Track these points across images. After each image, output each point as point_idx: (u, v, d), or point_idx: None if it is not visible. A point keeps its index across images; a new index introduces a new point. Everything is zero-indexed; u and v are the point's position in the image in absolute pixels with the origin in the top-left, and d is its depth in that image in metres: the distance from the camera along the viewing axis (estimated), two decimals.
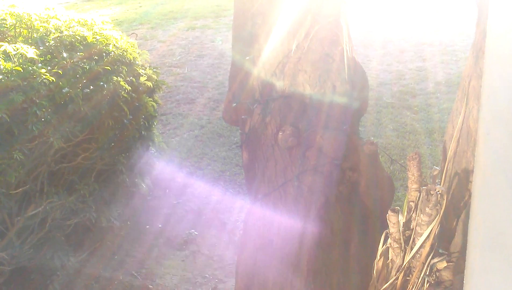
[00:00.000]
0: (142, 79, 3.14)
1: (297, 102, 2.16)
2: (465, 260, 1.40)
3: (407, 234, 1.49)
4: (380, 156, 2.28)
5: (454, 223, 1.54)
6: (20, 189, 2.45)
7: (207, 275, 3.11)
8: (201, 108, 5.76)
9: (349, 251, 1.93)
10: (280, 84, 2.20)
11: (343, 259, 1.90)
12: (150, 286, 3.01)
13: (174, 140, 4.98)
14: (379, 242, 1.59)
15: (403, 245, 1.49)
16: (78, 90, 2.50)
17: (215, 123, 5.31)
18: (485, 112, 0.89)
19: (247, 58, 2.36)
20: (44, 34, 2.78)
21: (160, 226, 3.60)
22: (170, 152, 4.59)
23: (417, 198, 1.43)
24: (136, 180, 3.50)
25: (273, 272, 1.85)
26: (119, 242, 3.38)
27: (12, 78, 2.25)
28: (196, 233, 3.54)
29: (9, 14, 2.82)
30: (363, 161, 2.06)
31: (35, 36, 2.76)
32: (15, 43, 2.48)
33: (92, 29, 3.03)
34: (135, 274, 3.12)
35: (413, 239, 1.45)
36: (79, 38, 2.80)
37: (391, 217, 1.48)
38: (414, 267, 1.47)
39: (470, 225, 0.91)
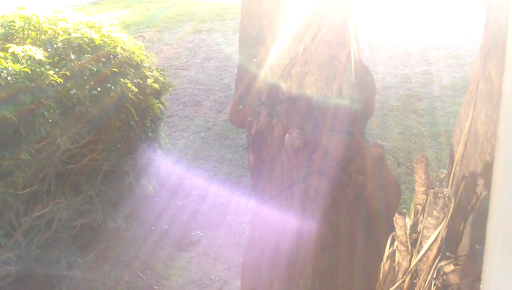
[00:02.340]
0: (149, 81, 3.16)
1: (303, 105, 2.15)
2: (472, 264, 1.39)
3: (414, 237, 1.48)
4: (386, 159, 2.27)
5: (462, 226, 1.53)
6: (27, 189, 2.47)
7: (212, 277, 3.12)
8: (207, 110, 5.78)
9: (355, 253, 1.92)
10: (286, 86, 2.20)
11: (349, 261, 1.90)
12: (156, 287, 3.02)
13: (180, 142, 4.99)
14: (385, 245, 1.58)
15: (410, 248, 1.48)
16: (86, 92, 2.51)
17: (221, 125, 5.32)
18: (505, 112, 0.88)
19: (254, 60, 2.36)
20: (52, 36, 2.80)
21: (165, 227, 3.61)
22: (176, 154, 4.61)
23: (424, 201, 1.42)
24: (142, 181, 3.51)
25: (279, 273, 1.84)
26: (125, 243, 3.39)
27: (20, 80, 2.27)
28: (201, 234, 3.54)
29: (18, 16, 2.84)
30: (369, 164, 2.05)
31: (43, 38, 2.78)
32: (24, 45, 2.50)
33: (100, 32, 3.05)
34: (141, 275, 3.13)
35: (420, 242, 1.44)
36: (87, 40, 2.82)
37: (398, 219, 1.47)
38: (421, 270, 1.46)
39: (488, 227, 0.90)
